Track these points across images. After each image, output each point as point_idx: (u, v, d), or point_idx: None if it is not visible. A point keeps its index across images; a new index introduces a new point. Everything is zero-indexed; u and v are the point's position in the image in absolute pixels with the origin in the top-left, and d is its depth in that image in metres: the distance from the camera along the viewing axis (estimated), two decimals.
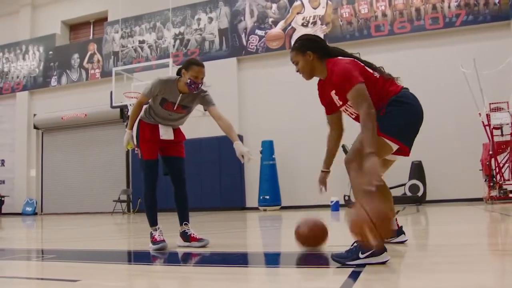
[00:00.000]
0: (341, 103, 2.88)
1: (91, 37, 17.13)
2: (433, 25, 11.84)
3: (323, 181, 3.25)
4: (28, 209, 15.68)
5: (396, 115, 2.68)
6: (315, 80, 3.03)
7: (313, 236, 3.11)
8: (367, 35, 12.38)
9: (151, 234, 3.75)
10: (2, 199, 15.63)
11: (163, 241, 3.65)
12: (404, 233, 3.31)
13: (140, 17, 15.08)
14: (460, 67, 9.85)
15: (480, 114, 9.65)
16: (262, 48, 13.34)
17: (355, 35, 12.50)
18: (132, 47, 15.08)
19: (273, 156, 12.06)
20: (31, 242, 5.73)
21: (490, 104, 9.57)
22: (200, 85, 3.62)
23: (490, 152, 9.38)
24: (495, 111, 9.50)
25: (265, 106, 13.03)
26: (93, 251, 4.11)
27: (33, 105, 16.63)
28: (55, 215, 14.98)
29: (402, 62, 11.20)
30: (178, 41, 14.47)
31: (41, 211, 16.10)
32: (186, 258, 3.39)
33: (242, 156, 3.47)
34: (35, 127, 16.29)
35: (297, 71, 2.94)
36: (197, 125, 11.43)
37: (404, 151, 2.80)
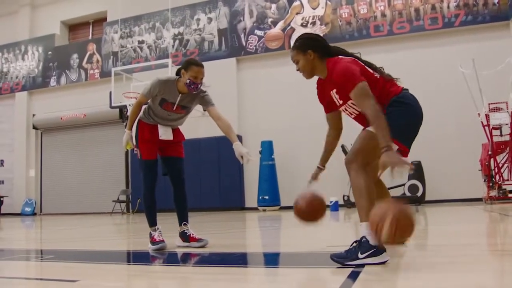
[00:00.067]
0: (341, 102, 2.88)
1: (90, 37, 17.12)
2: (432, 25, 11.84)
3: (315, 177, 3.24)
4: (27, 209, 15.66)
5: (397, 116, 2.68)
6: (315, 80, 3.03)
7: (311, 211, 3.11)
8: (366, 35, 12.38)
9: (150, 234, 3.75)
10: (1, 199, 15.60)
11: (163, 241, 3.65)
12: None
13: (139, 17, 15.08)
14: (459, 67, 9.85)
15: (479, 114, 9.65)
16: (261, 48, 13.34)
17: (354, 35, 12.50)
18: (131, 47, 15.08)
19: (273, 156, 12.06)
20: (30, 242, 5.73)
21: (489, 104, 9.57)
22: (199, 85, 3.62)
23: (489, 152, 9.38)
24: (494, 111, 9.50)
25: (264, 106, 13.03)
26: (92, 251, 4.11)
27: (32, 105, 16.61)
28: (54, 215, 14.96)
29: (401, 62, 11.20)
30: (177, 41, 14.46)
31: (40, 212, 16.08)
32: (186, 259, 3.39)
33: (242, 157, 3.47)
34: (34, 127, 16.27)
35: (298, 70, 2.93)
36: (196, 125, 11.42)
37: (403, 151, 2.80)
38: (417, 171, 10.67)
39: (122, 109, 14.02)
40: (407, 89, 2.85)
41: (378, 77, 2.77)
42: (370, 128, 2.71)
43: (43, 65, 16.51)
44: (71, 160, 15.90)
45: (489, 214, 6.61)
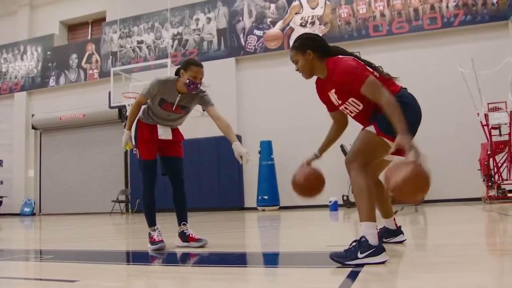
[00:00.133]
0: (340, 102, 2.88)
1: (89, 37, 17.11)
2: (431, 25, 11.85)
3: (308, 162, 3.23)
4: (26, 209, 15.65)
5: None
6: (314, 80, 3.03)
7: (308, 185, 3.14)
8: (365, 35, 12.39)
9: (150, 234, 3.74)
10: (0, 199, 15.59)
11: (162, 241, 3.64)
12: (403, 233, 3.32)
13: (138, 18, 15.07)
14: (458, 67, 9.86)
15: (478, 114, 9.66)
16: (261, 48, 13.34)
17: (354, 35, 12.50)
18: (131, 47, 15.07)
19: (272, 156, 12.07)
20: (29, 242, 5.72)
21: (488, 104, 9.58)
22: (199, 85, 3.62)
23: (489, 152, 9.39)
24: (493, 111, 9.50)
25: (263, 106, 13.03)
26: (92, 251, 4.10)
27: (31, 106, 16.60)
28: (53, 215, 14.95)
29: (400, 62, 11.20)
30: (176, 41, 14.46)
31: (39, 212, 16.08)
32: (185, 258, 3.39)
33: (241, 157, 3.47)
34: (33, 128, 16.26)
35: (297, 70, 2.93)
36: (195, 125, 11.42)
37: (402, 151, 2.80)
38: None
39: (121, 109, 14.02)
40: (405, 88, 2.86)
41: (378, 76, 2.77)
42: (369, 128, 2.72)
43: (42, 65, 16.50)
44: (70, 160, 15.89)
45: (488, 214, 6.62)
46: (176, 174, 3.87)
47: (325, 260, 2.56)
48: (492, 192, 9.23)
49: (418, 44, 11.96)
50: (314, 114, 11.97)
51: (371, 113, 2.78)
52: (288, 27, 13.14)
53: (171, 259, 3.38)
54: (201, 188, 12.46)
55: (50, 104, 16.04)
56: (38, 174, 16.31)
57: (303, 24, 13.01)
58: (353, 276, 2.22)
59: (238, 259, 3.23)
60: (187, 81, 3.54)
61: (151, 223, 3.78)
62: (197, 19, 14.26)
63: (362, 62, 2.78)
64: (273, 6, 13.40)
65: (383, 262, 2.45)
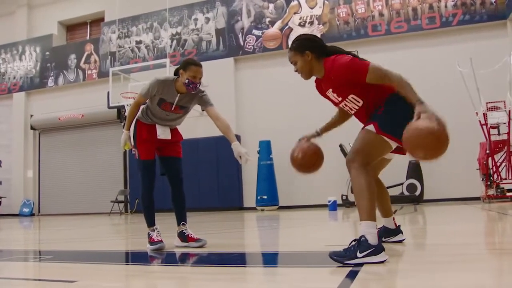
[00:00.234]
0: (340, 99, 2.90)
1: (88, 37, 17.09)
2: (430, 25, 11.86)
3: (308, 138, 3.24)
4: (25, 210, 15.63)
5: (395, 113, 2.70)
6: (313, 79, 3.04)
7: (306, 162, 3.15)
8: (364, 34, 12.39)
9: (149, 234, 3.74)
10: None
11: (161, 241, 3.64)
12: (402, 232, 3.32)
13: (137, 18, 15.06)
14: (457, 66, 9.87)
15: (477, 113, 9.66)
16: (259, 48, 13.34)
17: (352, 34, 12.51)
18: (129, 47, 15.06)
19: (271, 156, 12.06)
20: (28, 243, 5.71)
21: (487, 103, 9.59)
22: (198, 85, 3.62)
23: (487, 151, 9.40)
24: (492, 110, 9.52)
25: (262, 106, 13.03)
26: (91, 251, 4.10)
27: (30, 106, 16.58)
28: (52, 216, 14.93)
29: (399, 61, 11.17)
30: (175, 41, 14.45)
31: (38, 212, 16.06)
32: (184, 259, 3.39)
33: (240, 157, 3.47)
34: (32, 128, 16.24)
35: (296, 71, 2.95)
36: (194, 125, 11.42)
37: (402, 149, 2.81)
38: (415, 170, 10.69)
39: (120, 109, 14.01)
40: None
41: None
42: (369, 127, 2.73)
43: (40, 66, 16.48)
44: (69, 160, 15.88)
45: (487, 213, 6.62)
46: (175, 174, 3.87)
47: (324, 259, 2.56)
48: (491, 192, 9.24)
49: (416, 44, 11.97)
50: (313, 114, 11.96)
51: (371, 110, 2.79)
52: (287, 27, 13.14)
53: (170, 259, 3.38)
54: (200, 188, 12.46)
55: (48, 105, 16.02)
56: (37, 174, 16.29)
57: (301, 24, 13.01)
58: (352, 275, 2.22)
59: (237, 259, 3.23)
60: (187, 81, 3.54)
61: (150, 223, 3.78)
62: (196, 19, 14.25)
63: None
64: (271, 6, 13.40)
65: (382, 262, 2.45)
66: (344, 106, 2.93)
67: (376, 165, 2.98)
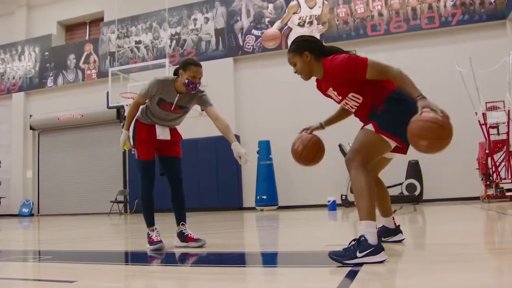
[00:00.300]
0: (340, 97, 2.91)
1: (87, 37, 17.08)
2: (429, 25, 11.86)
3: (311, 130, 3.25)
4: (25, 210, 15.62)
5: (394, 112, 2.70)
6: (312, 79, 3.05)
7: (307, 154, 3.15)
8: (364, 34, 12.39)
9: (148, 234, 3.74)
10: None
11: (160, 241, 3.64)
12: (402, 232, 3.32)
13: (136, 18, 15.05)
14: (456, 66, 9.87)
15: (476, 113, 9.67)
16: (259, 48, 13.34)
17: (352, 34, 12.51)
18: (129, 47, 15.05)
19: (270, 156, 12.06)
20: (27, 243, 5.71)
21: (486, 103, 9.59)
22: (198, 85, 3.62)
23: (487, 151, 9.40)
24: (491, 110, 9.52)
25: (262, 106, 13.03)
26: (90, 252, 4.10)
27: (29, 106, 16.57)
28: (52, 216, 14.93)
29: (398, 61, 11.01)
30: (174, 41, 14.45)
31: (38, 212, 16.05)
32: (183, 259, 3.39)
33: (240, 157, 3.47)
34: (31, 128, 16.23)
35: (295, 72, 2.96)
36: (194, 125, 11.43)
37: (402, 148, 2.82)
38: (415, 170, 10.69)
39: (119, 109, 14.01)
40: None
41: None
42: (368, 127, 2.73)
43: (40, 66, 16.47)
44: (68, 160, 15.87)
45: (487, 213, 6.63)
46: (175, 174, 3.87)
47: (324, 259, 2.56)
48: (491, 191, 9.25)
49: (416, 44, 11.98)
50: (312, 113, 11.93)
51: (371, 109, 2.80)
52: (286, 27, 13.14)
53: (169, 259, 3.37)
54: (200, 188, 12.46)
55: (48, 105, 16.01)
56: (37, 174, 16.28)
57: (301, 24, 13.01)
58: (352, 275, 2.22)
59: (237, 259, 3.23)
60: (186, 81, 3.54)
61: (150, 223, 3.78)
62: (195, 19, 14.25)
63: None
64: (271, 6, 13.40)
65: (382, 261, 2.45)
66: (345, 104, 2.95)
67: (376, 164, 2.99)
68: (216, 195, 12.70)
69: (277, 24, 13.25)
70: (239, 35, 13.58)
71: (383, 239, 3.22)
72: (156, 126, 3.79)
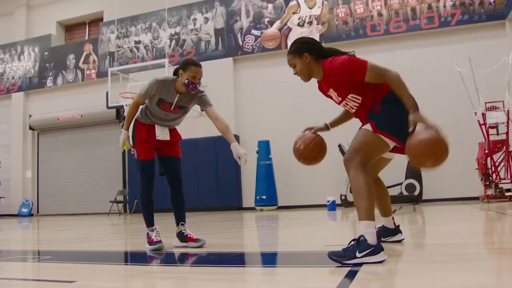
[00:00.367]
0: (340, 99, 2.93)
1: (86, 37, 17.08)
2: (428, 25, 11.87)
3: (315, 131, 3.24)
4: (24, 210, 15.61)
5: (392, 113, 2.71)
6: (312, 80, 3.05)
7: (308, 154, 3.16)
8: (363, 34, 12.40)
9: (148, 234, 3.74)
10: None
11: (160, 241, 3.64)
12: (401, 232, 3.32)
13: (135, 18, 15.05)
14: (455, 66, 9.88)
15: (475, 113, 9.67)
16: (258, 48, 13.34)
17: (351, 34, 12.51)
18: (128, 47, 15.05)
19: (270, 156, 12.06)
20: (27, 243, 5.71)
21: (485, 103, 9.59)
22: (198, 85, 3.62)
23: (486, 151, 9.41)
24: (490, 110, 9.52)
25: (261, 106, 13.03)
26: (90, 252, 4.10)
27: (29, 106, 16.57)
28: (51, 216, 14.92)
29: (398, 61, 11.19)
30: (174, 41, 14.45)
31: (37, 212, 16.04)
32: (183, 259, 3.39)
33: (239, 158, 3.47)
34: (30, 128, 16.22)
35: (295, 74, 2.98)
36: (193, 125, 11.42)
37: (401, 148, 2.82)
38: (414, 170, 10.68)
39: (119, 109, 14.00)
40: None
41: None
42: (366, 126, 2.73)
43: (39, 66, 16.47)
44: (68, 160, 15.86)
45: (486, 213, 6.63)
46: (174, 174, 3.87)
47: (323, 259, 2.56)
48: (490, 191, 9.25)
49: (415, 44, 11.98)
50: (312, 113, 11.95)
51: (369, 109, 2.80)
52: (286, 27, 13.14)
53: (169, 259, 3.37)
54: (199, 188, 12.46)
55: (47, 105, 16.00)
56: (36, 174, 16.28)
57: (300, 24, 13.01)
58: (351, 275, 2.22)
59: (236, 259, 3.23)
60: (186, 81, 3.53)
61: (149, 223, 3.78)
62: (195, 19, 14.25)
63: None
64: (270, 6, 13.40)
65: (381, 262, 2.45)
66: (345, 105, 2.97)
67: (376, 164, 2.99)
68: (216, 195, 12.70)
69: (277, 24, 13.25)
70: (239, 35, 13.58)
71: (382, 239, 3.23)
72: (156, 126, 3.78)
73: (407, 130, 2.72)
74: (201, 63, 3.72)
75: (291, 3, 13.17)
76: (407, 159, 2.61)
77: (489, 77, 9.78)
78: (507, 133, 9.37)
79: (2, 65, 17.17)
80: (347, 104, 2.93)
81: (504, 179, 9.33)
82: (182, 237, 3.76)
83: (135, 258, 3.65)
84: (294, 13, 13.12)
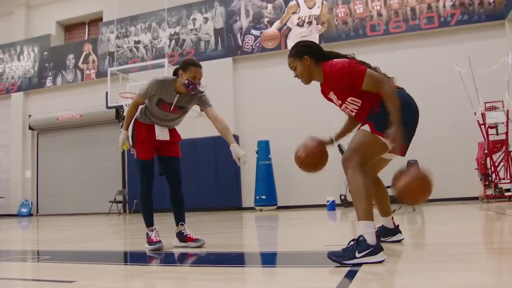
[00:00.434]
0: (340, 102, 2.93)
1: (86, 37, 17.07)
2: (428, 25, 11.87)
3: (320, 141, 3.23)
4: (24, 210, 15.60)
5: (389, 114, 2.71)
6: (313, 82, 3.06)
7: (309, 162, 3.16)
8: (363, 34, 12.40)
9: (147, 234, 3.74)
10: None
11: (159, 241, 3.64)
12: (401, 232, 3.32)
13: (135, 18, 15.05)
14: (455, 66, 9.88)
15: (475, 113, 9.67)
16: (258, 48, 13.34)
17: (351, 34, 12.51)
18: (128, 47, 15.04)
19: (269, 156, 12.06)
20: (26, 243, 5.71)
21: (485, 103, 9.59)
22: (197, 85, 3.62)
23: (486, 151, 9.41)
24: (490, 110, 9.52)
25: (261, 106, 13.03)
26: (89, 252, 4.10)
27: (28, 106, 16.56)
28: (51, 216, 14.92)
29: (397, 61, 11.22)
30: (173, 41, 14.44)
31: (37, 212, 16.03)
32: (183, 259, 3.39)
33: (239, 159, 3.47)
34: (30, 128, 16.21)
35: (296, 77, 2.99)
36: (193, 126, 11.41)
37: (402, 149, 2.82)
38: None
39: (118, 109, 13.99)
40: (402, 88, 2.90)
41: None
42: (365, 127, 2.74)
43: (39, 66, 16.46)
44: (67, 160, 15.85)
45: (486, 213, 6.63)
46: (174, 174, 3.87)
47: (323, 259, 2.56)
48: (489, 191, 9.25)
49: (415, 44, 11.98)
50: (311, 114, 11.98)
51: (368, 112, 2.81)
52: (285, 27, 13.14)
53: (169, 259, 3.37)
54: (199, 188, 12.46)
55: (47, 105, 15.99)
56: (35, 174, 16.26)
57: (300, 24, 13.01)
58: (351, 275, 2.22)
59: (236, 259, 3.23)
60: (186, 81, 3.53)
61: (149, 223, 3.78)
62: (194, 19, 14.25)
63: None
64: (270, 6, 13.40)
65: (381, 262, 2.45)
66: (345, 108, 2.97)
67: (375, 165, 2.99)
68: (215, 195, 12.70)
69: (276, 24, 13.25)
70: (238, 35, 13.58)
71: (382, 239, 3.23)
72: (155, 126, 3.78)
73: (409, 132, 2.73)
74: (201, 63, 3.72)
75: (291, 3, 13.17)
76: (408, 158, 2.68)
77: (489, 77, 9.78)
78: (506, 133, 9.37)
79: (1, 65, 17.16)
80: (347, 107, 2.93)
81: (504, 179, 9.33)
82: (182, 237, 3.76)
83: (134, 258, 3.65)
84: (293, 13, 13.12)
